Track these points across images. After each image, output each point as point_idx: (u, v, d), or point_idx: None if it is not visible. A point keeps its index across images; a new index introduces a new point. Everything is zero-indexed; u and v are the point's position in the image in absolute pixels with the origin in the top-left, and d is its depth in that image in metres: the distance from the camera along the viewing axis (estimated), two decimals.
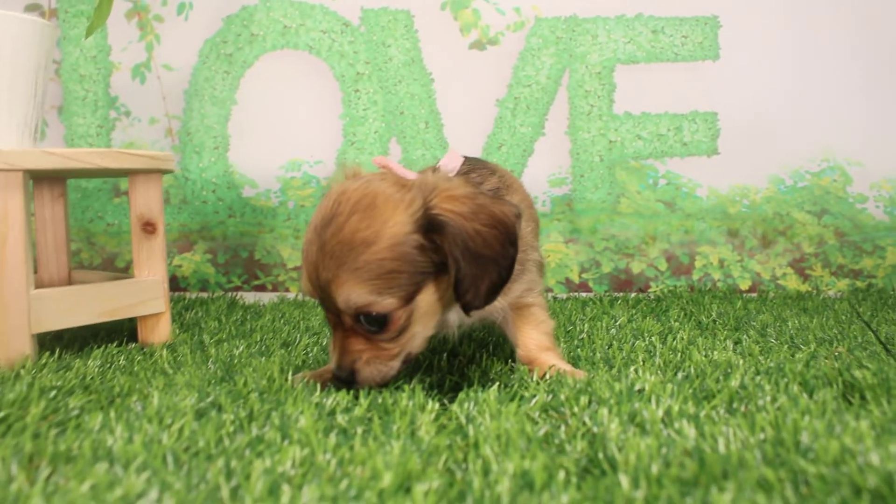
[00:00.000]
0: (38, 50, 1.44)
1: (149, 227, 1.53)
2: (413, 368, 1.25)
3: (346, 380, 1.06)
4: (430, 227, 1.00)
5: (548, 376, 1.10)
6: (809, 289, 2.21)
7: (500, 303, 1.17)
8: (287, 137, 2.24)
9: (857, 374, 1.05)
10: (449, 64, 2.23)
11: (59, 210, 1.70)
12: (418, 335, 1.07)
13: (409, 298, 1.02)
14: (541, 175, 2.23)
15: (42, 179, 1.67)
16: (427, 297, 1.04)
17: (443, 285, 1.05)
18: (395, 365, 1.07)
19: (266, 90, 2.24)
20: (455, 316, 1.16)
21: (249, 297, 2.22)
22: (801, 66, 2.19)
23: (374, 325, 1.03)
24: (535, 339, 1.22)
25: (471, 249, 0.99)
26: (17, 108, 1.42)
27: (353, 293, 0.99)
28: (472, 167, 1.24)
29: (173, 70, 2.24)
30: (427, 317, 1.06)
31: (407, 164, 2.22)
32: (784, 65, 2.20)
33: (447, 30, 2.23)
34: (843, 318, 1.70)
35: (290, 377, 1.13)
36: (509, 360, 1.28)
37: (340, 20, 2.22)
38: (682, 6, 2.20)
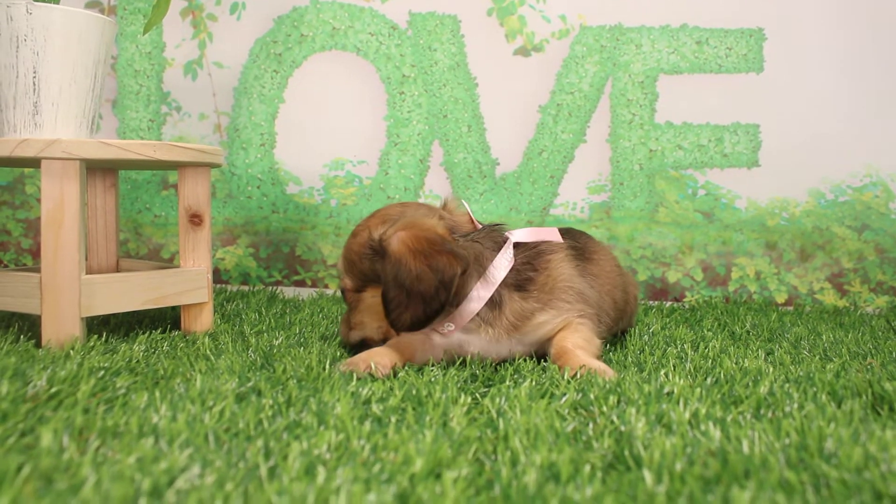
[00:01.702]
0: (99, 45, 1.49)
1: (196, 219, 1.57)
2: (446, 363, 1.28)
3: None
4: (378, 249, 1.24)
5: (578, 376, 1.13)
6: (847, 304, 2.20)
7: (529, 338, 1.29)
8: (332, 137, 2.29)
9: (888, 386, 1.06)
10: (493, 69, 2.26)
11: (110, 200, 1.75)
12: (366, 325, 1.35)
13: (359, 289, 1.33)
14: (580, 182, 2.25)
15: (95, 170, 1.72)
16: (369, 297, 1.32)
17: None
18: (352, 335, 1.37)
19: (313, 90, 2.29)
20: (476, 342, 1.26)
21: (289, 292, 2.26)
22: (845, 80, 2.18)
23: (343, 294, 1.38)
24: (570, 339, 1.25)
25: (402, 281, 1.18)
26: (76, 100, 1.47)
27: (340, 263, 1.36)
28: (544, 241, 1.38)
29: (224, 68, 2.29)
30: (370, 313, 1.34)
31: (449, 166, 2.26)
32: (828, 79, 2.19)
33: (493, 35, 2.26)
34: (880, 333, 1.69)
35: (327, 367, 1.17)
36: (541, 360, 1.30)
37: (388, 23, 2.26)
38: (728, 18, 2.20)
